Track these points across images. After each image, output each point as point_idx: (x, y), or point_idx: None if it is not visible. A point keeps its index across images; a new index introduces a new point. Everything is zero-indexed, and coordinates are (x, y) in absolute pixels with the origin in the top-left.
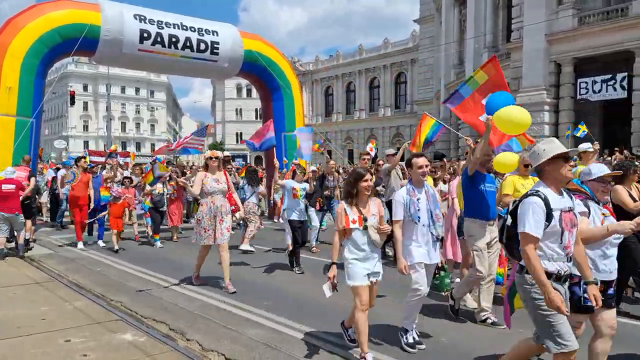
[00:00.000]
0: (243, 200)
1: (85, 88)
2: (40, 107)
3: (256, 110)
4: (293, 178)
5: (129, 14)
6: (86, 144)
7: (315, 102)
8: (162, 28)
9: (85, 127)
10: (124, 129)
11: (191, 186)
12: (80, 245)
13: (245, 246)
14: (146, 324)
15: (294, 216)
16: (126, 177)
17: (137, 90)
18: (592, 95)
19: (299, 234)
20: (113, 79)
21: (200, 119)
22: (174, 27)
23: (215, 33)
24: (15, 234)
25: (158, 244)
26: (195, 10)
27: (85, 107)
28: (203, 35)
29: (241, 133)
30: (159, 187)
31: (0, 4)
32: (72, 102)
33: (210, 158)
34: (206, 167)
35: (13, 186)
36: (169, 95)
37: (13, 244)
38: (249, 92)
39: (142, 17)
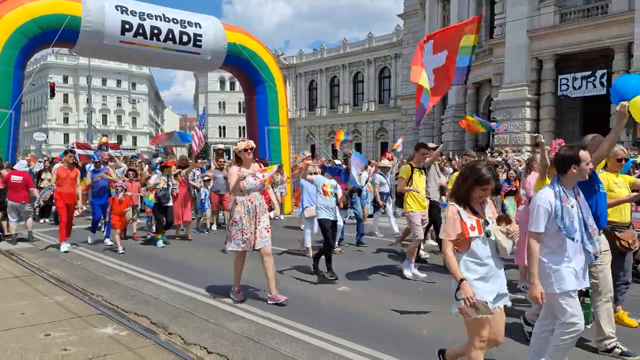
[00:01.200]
0: None
1: (65, 80)
2: (20, 99)
3: (239, 103)
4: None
5: (110, 5)
6: (66, 136)
7: (299, 96)
8: (144, 20)
9: (66, 120)
10: (105, 122)
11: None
12: (64, 247)
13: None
14: (127, 318)
15: (325, 215)
16: (131, 170)
17: (119, 82)
18: (573, 91)
19: (330, 235)
20: (94, 70)
21: (183, 111)
22: (156, 19)
23: (198, 25)
24: (23, 222)
25: (160, 243)
26: (178, 2)
27: (66, 99)
28: (186, 27)
29: (224, 127)
30: (163, 180)
31: None
32: (52, 94)
33: (246, 150)
34: (238, 160)
35: (21, 178)
36: (151, 88)
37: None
38: (232, 85)
39: (124, 9)
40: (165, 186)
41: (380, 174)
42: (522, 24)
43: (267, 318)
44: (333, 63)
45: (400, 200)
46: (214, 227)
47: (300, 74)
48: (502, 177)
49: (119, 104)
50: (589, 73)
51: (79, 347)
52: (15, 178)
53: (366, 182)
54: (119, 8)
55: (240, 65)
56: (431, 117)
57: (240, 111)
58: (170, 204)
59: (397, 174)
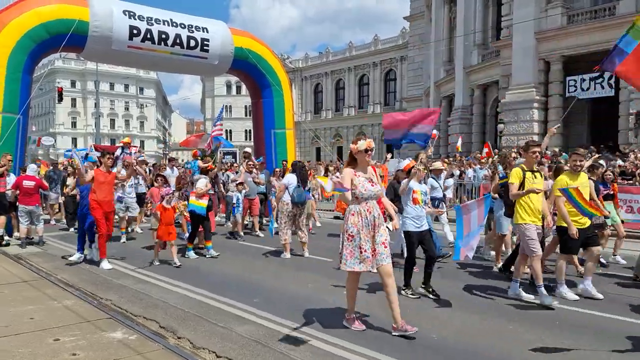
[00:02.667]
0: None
1: (73, 84)
2: (28, 104)
3: (245, 107)
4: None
5: (119, 10)
6: (74, 141)
7: (304, 99)
8: (152, 24)
9: (74, 124)
10: (113, 126)
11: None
12: (106, 264)
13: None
14: (136, 322)
15: (413, 227)
16: (159, 175)
17: (126, 87)
18: (581, 93)
19: (414, 249)
20: (102, 75)
21: (190, 115)
22: (164, 24)
23: (205, 30)
24: (34, 226)
25: (192, 254)
26: (186, 7)
27: (74, 104)
28: (193, 32)
29: (231, 130)
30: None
31: None
32: (60, 99)
33: (366, 150)
34: (352, 162)
35: (33, 183)
36: (159, 92)
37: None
38: (238, 89)
39: (132, 13)
40: (211, 191)
41: (433, 178)
42: (529, 26)
43: (275, 322)
44: (338, 66)
45: (510, 210)
46: (260, 232)
47: (306, 77)
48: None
49: (126, 109)
50: (596, 75)
51: (88, 351)
52: (27, 183)
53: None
54: (126, 13)
55: (247, 69)
56: (437, 119)
57: (246, 115)
58: (211, 211)
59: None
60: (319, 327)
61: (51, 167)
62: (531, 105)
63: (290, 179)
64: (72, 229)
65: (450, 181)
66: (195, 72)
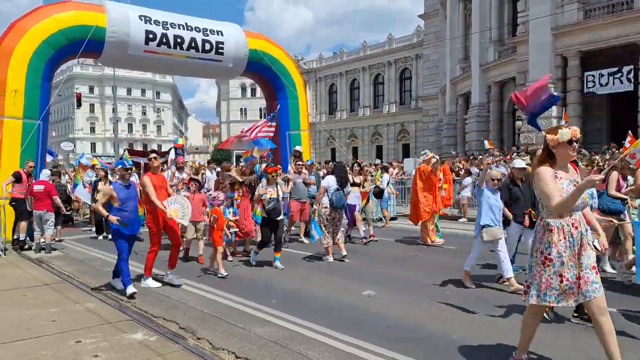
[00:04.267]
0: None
1: (91, 90)
2: (47, 110)
3: (260, 109)
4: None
5: (134, 15)
6: (93, 146)
7: (319, 100)
8: (167, 29)
9: (92, 129)
10: (131, 131)
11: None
12: (175, 279)
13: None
14: (156, 323)
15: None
16: (193, 179)
17: (143, 91)
18: (599, 88)
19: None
20: (119, 80)
21: (206, 119)
22: (179, 28)
23: (219, 33)
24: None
25: (278, 263)
26: (201, 11)
27: (92, 109)
28: (208, 35)
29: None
30: (270, 190)
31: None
32: (79, 104)
33: (570, 142)
34: (549, 158)
35: (42, 187)
36: (175, 96)
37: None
38: (253, 91)
39: (148, 18)
40: (274, 196)
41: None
42: (546, 22)
43: (294, 323)
44: (353, 66)
45: None
46: (304, 238)
47: (320, 78)
48: None
49: (144, 113)
50: (615, 69)
51: (109, 353)
52: (37, 188)
53: (387, 184)
54: (142, 18)
55: (262, 71)
56: (454, 117)
57: (261, 117)
58: (281, 217)
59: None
60: (338, 328)
61: (88, 171)
62: None
63: (330, 181)
64: (100, 237)
65: (469, 179)
66: (210, 75)
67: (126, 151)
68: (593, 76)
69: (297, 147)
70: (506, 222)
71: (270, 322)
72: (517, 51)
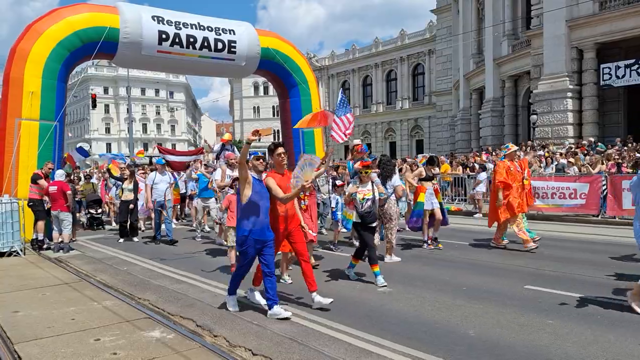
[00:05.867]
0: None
1: (106, 91)
2: (63, 111)
3: (273, 107)
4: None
5: (147, 15)
6: (108, 146)
7: (331, 97)
8: (180, 29)
9: (107, 130)
10: (145, 131)
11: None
12: (323, 299)
13: (392, 258)
14: (173, 321)
15: None
16: (236, 178)
17: (157, 91)
18: (616, 80)
19: None
20: (133, 81)
21: (220, 118)
22: (192, 28)
23: (232, 32)
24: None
25: (352, 273)
26: (213, 10)
27: (107, 110)
28: (220, 34)
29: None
30: (363, 190)
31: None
32: (94, 105)
33: None
34: None
35: (56, 187)
36: (188, 96)
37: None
38: (265, 90)
39: (160, 19)
40: (368, 196)
41: None
42: (561, 14)
43: (309, 319)
44: (365, 62)
45: None
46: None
47: (333, 75)
48: None
49: (157, 113)
50: (632, 61)
51: (128, 350)
52: (52, 188)
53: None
54: (155, 18)
55: (274, 69)
56: (468, 111)
57: (274, 115)
58: (376, 222)
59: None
60: (353, 325)
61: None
62: (565, 95)
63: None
64: (121, 240)
65: (483, 175)
66: (223, 74)
67: (155, 147)
68: (609, 68)
69: (356, 141)
70: None
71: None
72: (531, 44)
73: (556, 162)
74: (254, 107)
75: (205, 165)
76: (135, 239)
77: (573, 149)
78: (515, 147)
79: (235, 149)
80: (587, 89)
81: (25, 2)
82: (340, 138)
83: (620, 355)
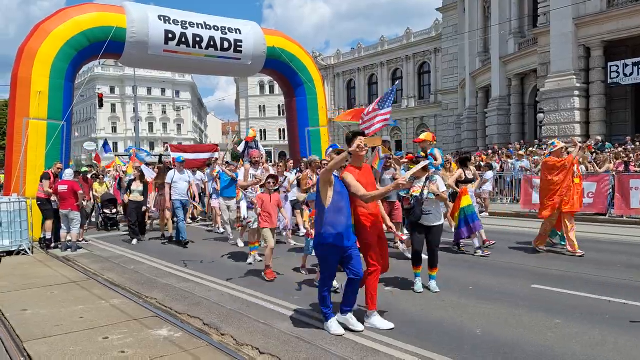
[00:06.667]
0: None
1: (112, 90)
2: (71, 110)
3: (279, 106)
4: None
5: (154, 15)
6: (115, 145)
7: (337, 96)
8: (186, 28)
9: (114, 129)
10: (152, 130)
11: None
12: (381, 323)
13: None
14: (181, 320)
15: None
16: (272, 176)
17: (163, 91)
18: (624, 78)
19: None
20: (139, 80)
21: (226, 117)
22: (198, 27)
23: (238, 31)
24: (71, 230)
25: (420, 287)
26: (220, 9)
27: (113, 109)
28: (226, 33)
29: (265, 130)
30: (415, 186)
31: (29, 7)
32: (101, 105)
33: None
34: None
35: (66, 187)
36: (194, 95)
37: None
38: (271, 89)
39: (167, 18)
40: (416, 194)
41: None
42: (568, 12)
43: (315, 318)
44: (371, 61)
45: None
46: (402, 245)
47: (338, 73)
48: None
49: (164, 112)
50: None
51: (136, 349)
52: (61, 188)
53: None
54: (162, 18)
55: (280, 68)
56: (474, 110)
57: (280, 114)
58: (440, 222)
59: None
60: (364, 324)
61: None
62: (572, 93)
63: None
64: (135, 241)
65: (490, 174)
66: (229, 73)
67: (167, 146)
68: (617, 66)
69: (385, 137)
70: None
71: (292, 317)
72: (538, 43)
73: None
74: (260, 106)
75: (227, 162)
76: (143, 238)
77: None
78: (562, 144)
79: (260, 146)
80: (595, 87)
81: (33, 2)
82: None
83: (629, 357)
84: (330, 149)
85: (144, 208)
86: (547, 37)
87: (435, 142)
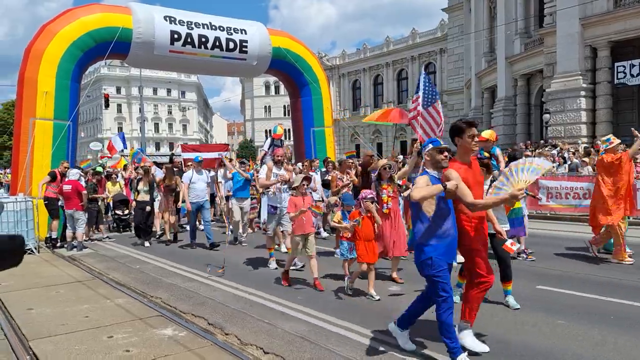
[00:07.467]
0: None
1: (118, 90)
2: (77, 111)
3: (284, 107)
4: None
5: (160, 15)
6: None
7: (342, 96)
8: (192, 29)
9: (120, 129)
10: (157, 130)
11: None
12: (478, 345)
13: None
14: (185, 319)
15: None
16: (306, 178)
17: (169, 91)
18: (630, 79)
19: None
20: (145, 80)
21: (231, 117)
22: (203, 27)
23: (243, 31)
24: (75, 230)
25: (511, 300)
26: (225, 10)
27: (119, 109)
28: (232, 34)
29: (270, 130)
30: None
31: (36, 8)
32: (107, 105)
33: None
34: None
35: (70, 186)
36: (200, 95)
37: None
38: (276, 89)
39: (172, 19)
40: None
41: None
42: (574, 12)
43: (320, 318)
44: (376, 62)
45: None
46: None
47: (344, 74)
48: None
49: (169, 112)
50: None
51: (140, 348)
52: (66, 187)
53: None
54: (167, 18)
55: (285, 69)
56: (480, 110)
57: (285, 114)
58: (507, 226)
59: None
60: (364, 324)
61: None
62: (578, 94)
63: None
64: (147, 243)
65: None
66: (235, 73)
67: (179, 146)
68: (624, 67)
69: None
70: None
71: (297, 317)
72: (544, 43)
73: (569, 162)
74: (265, 107)
75: (241, 162)
76: (147, 243)
77: (587, 149)
78: (617, 141)
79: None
80: (601, 87)
81: (39, 2)
82: (433, 133)
83: (631, 358)
84: (430, 145)
85: (147, 208)
86: (553, 38)
87: (497, 141)
